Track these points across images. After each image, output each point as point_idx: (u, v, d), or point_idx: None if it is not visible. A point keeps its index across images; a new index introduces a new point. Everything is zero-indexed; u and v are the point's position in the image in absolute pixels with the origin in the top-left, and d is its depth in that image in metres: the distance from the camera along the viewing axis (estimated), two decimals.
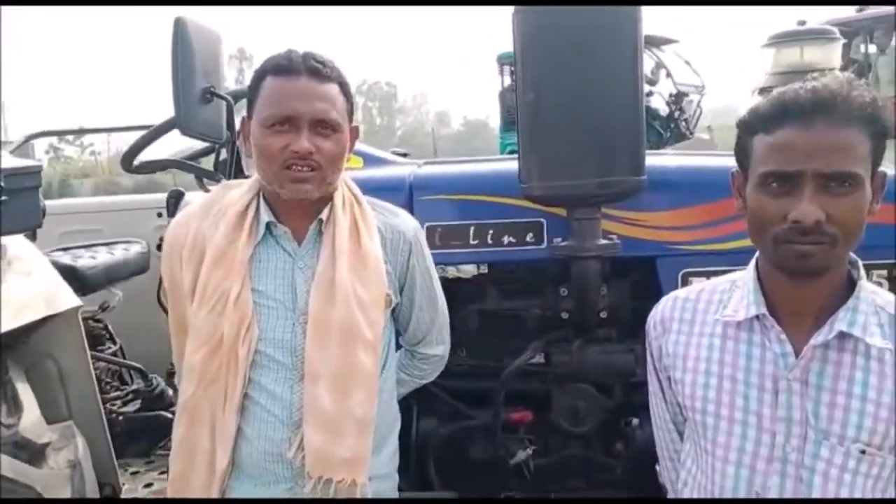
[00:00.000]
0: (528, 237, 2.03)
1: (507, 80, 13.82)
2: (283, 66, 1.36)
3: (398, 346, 1.63)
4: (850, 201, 1.06)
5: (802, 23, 7.90)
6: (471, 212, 2.05)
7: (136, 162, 2.35)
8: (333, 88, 1.38)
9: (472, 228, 2.04)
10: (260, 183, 1.43)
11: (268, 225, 1.41)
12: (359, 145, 2.32)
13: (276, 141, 1.33)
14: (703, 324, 1.27)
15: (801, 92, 1.10)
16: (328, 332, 1.36)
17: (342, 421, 1.36)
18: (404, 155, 2.61)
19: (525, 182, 1.92)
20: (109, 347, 2.72)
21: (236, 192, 1.45)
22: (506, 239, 2.04)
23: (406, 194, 2.06)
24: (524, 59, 1.88)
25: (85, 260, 2.48)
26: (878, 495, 1.12)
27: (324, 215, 1.41)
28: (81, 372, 1.95)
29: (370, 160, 2.25)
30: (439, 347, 1.66)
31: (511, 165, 2.07)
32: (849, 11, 11.63)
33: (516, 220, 2.04)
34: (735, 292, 1.25)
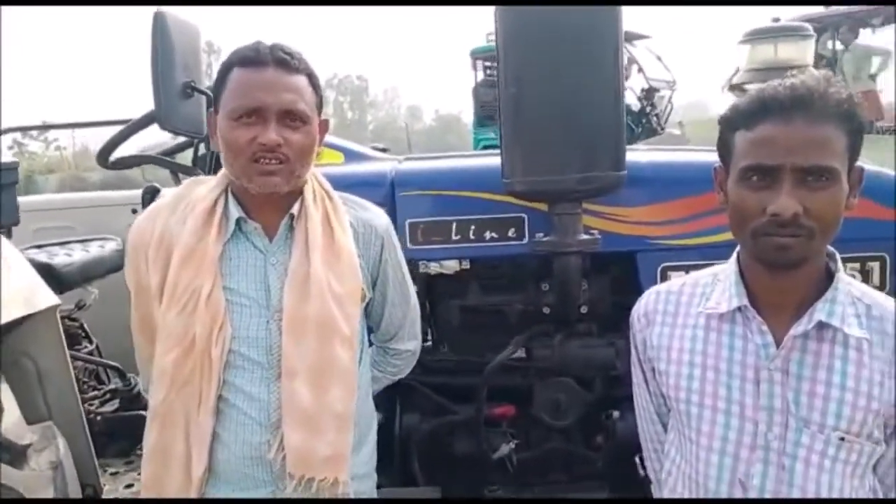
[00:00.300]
0: (510, 232, 2.05)
1: (481, 76, 13.84)
2: (250, 58, 1.33)
3: (370, 343, 1.62)
4: (827, 195, 1.09)
5: (777, 20, 8.02)
6: (453, 207, 2.06)
7: (112, 157, 2.32)
8: (302, 80, 1.35)
9: (454, 224, 2.05)
10: (228, 178, 1.39)
11: (238, 221, 1.37)
12: (338, 140, 2.33)
13: (242, 133, 1.30)
14: (687, 316, 1.29)
15: (781, 89, 1.12)
16: (304, 327, 1.34)
17: (321, 417, 1.33)
18: (384, 150, 2.61)
19: (507, 178, 1.93)
20: (86, 346, 2.68)
21: (204, 189, 1.41)
22: (487, 234, 2.05)
23: (388, 190, 2.06)
24: (506, 56, 1.89)
25: (61, 258, 2.44)
26: (856, 482, 1.16)
27: (295, 210, 1.39)
28: (60, 372, 1.92)
29: (351, 155, 2.25)
30: (411, 343, 1.66)
31: (492, 161, 2.08)
32: (818, 8, 11.85)
33: (498, 215, 2.05)
34: (717, 285, 1.27)
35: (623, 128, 1.94)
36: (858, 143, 1.13)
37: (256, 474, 1.35)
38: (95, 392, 2.59)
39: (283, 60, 1.33)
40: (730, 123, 1.18)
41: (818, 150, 1.08)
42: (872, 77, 10.98)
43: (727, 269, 1.27)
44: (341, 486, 1.36)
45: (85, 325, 2.75)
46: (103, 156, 2.28)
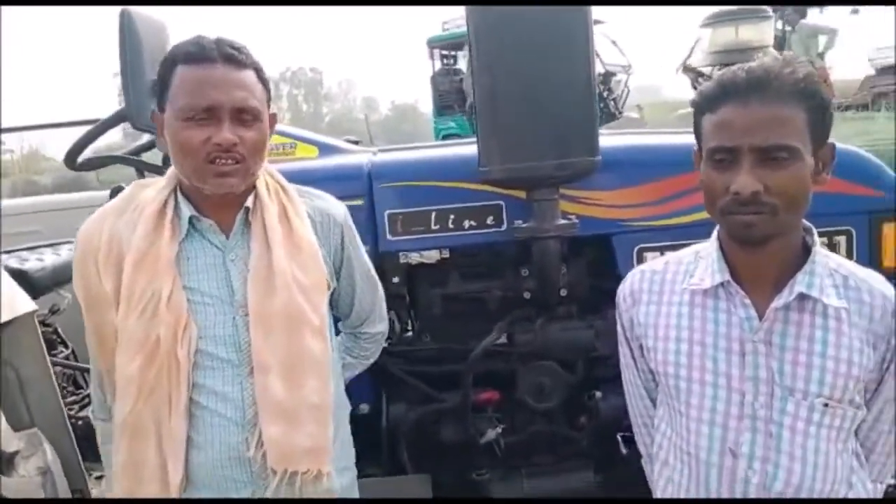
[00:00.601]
0: (489, 220, 2.07)
1: (438, 65, 13.85)
2: (196, 55, 1.29)
3: (337, 332, 1.63)
4: (787, 173, 1.13)
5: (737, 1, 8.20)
6: (431, 197, 2.07)
7: (80, 159, 2.29)
8: (251, 75, 1.32)
9: (433, 214, 2.06)
10: (177, 178, 1.36)
11: (190, 220, 1.34)
12: (312, 134, 2.33)
13: (196, 134, 1.27)
14: (672, 293, 1.33)
15: (739, 73, 1.17)
16: (271, 321, 1.32)
17: (298, 410, 1.32)
18: (356, 143, 2.61)
19: (485, 166, 1.95)
20: (62, 351, 2.64)
21: (151, 191, 1.37)
22: (466, 223, 2.07)
23: (365, 182, 2.07)
24: (479, 46, 1.91)
25: (32, 262, 2.40)
26: (840, 445, 1.21)
27: (249, 203, 1.36)
28: (41, 377, 1.90)
29: (325, 149, 2.25)
30: (381, 324, 1.68)
31: (468, 150, 2.10)
32: None
33: (476, 203, 2.07)
34: (700, 262, 1.32)
35: (596, 114, 1.98)
36: (823, 120, 1.16)
37: (235, 475, 1.32)
38: (74, 397, 2.56)
39: (231, 56, 1.30)
40: (698, 108, 1.23)
41: (775, 129, 1.12)
42: (821, 55, 11.27)
43: (709, 247, 1.31)
44: (325, 477, 1.35)
45: (59, 330, 2.70)
46: (71, 157, 2.25)
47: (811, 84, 1.14)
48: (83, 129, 2.28)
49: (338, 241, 1.49)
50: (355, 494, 1.55)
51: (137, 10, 1.92)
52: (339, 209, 1.51)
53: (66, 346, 2.70)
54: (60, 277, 2.54)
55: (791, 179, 1.13)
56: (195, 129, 1.27)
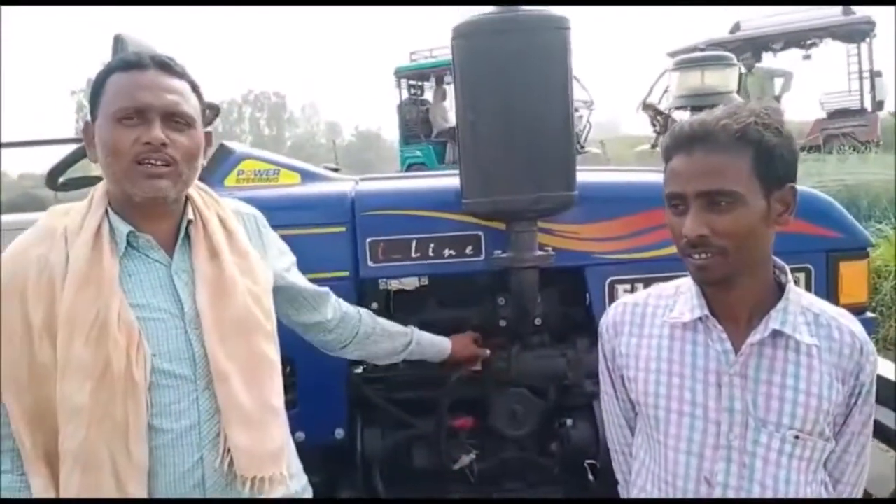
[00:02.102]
0: (468, 250, 2.12)
1: (405, 94, 14.01)
2: (131, 62, 1.31)
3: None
4: (732, 217, 1.20)
5: (702, 49, 8.52)
6: (412, 226, 2.11)
7: (61, 178, 2.28)
8: (185, 85, 1.34)
9: (413, 242, 2.10)
10: (107, 197, 1.34)
11: (128, 236, 1.31)
12: (294, 161, 2.36)
13: (125, 134, 1.26)
14: (652, 326, 1.39)
15: (686, 126, 1.27)
16: (225, 329, 1.32)
17: (261, 414, 1.33)
18: (336, 170, 2.65)
19: (467, 198, 2.01)
20: None
21: (77, 214, 1.32)
22: (446, 252, 2.11)
23: (348, 210, 2.10)
24: (463, 82, 1.97)
25: None
26: (810, 476, 1.28)
27: (190, 215, 1.37)
28: None
29: (307, 176, 2.28)
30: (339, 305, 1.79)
31: (449, 182, 2.15)
32: (723, 33, 12.56)
33: (456, 233, 2.11)
34: (679, 297, 1.38)
35: (574, 149, 2.06)
36: (771, 165, 1.21)
37: (192, 495, 1.31)
38: None
39: (165, 64, 1.33)
40: (663, 157, 1.31)
41: (716, 176, 1.20)
42: (777, 98, 11.69)
43: (688, 282, 1.38)
44: (285, 479, 1.37)
45: None
46: (54, 177, 2.24)
47: (752, 133, 1.21)
48: (57, 149, 2.28)
49: (267, 238, 1.54)
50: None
51: (130, 35, 1.94)
52: (250, 208, 1.55)
53: None
54: None
55: (735, 223, 1.20)
56: (124, 130, 1.27)
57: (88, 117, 1.35)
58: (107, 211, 1.33)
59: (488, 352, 2.13)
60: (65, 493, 1.24)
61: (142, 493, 1.25)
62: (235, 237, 1.42)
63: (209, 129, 1.43)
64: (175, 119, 1.30)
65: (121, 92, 1.29)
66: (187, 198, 1.39)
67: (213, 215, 1.40)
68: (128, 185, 1.28)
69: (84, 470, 1.23)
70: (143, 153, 1.26)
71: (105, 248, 1.28)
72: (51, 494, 1.26)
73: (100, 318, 1.23)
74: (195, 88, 1.38)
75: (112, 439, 1.23)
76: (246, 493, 1.31)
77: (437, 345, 2.01)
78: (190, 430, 1.30)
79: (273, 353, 1.40)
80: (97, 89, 1.32)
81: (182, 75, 1.35)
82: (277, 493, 1.35)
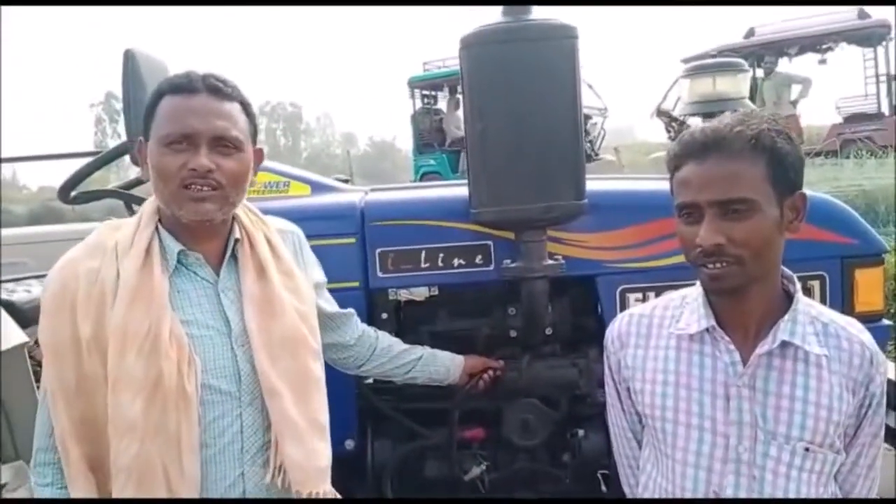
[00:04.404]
0: (478, 259, 2.12)
1: (419, 104, 14.05)
2: (182, 85, 1.33)
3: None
4: (748, 224, 1.19)
5: (714, 55, 8.48)
6: (422, 236, 2.11)
7: (73, 192, 2.31)
8: (235, 107, 1.35)
9: (423, 252, 2.10)
10: (157, 214, 1.37)
11: (178, 254, 1.35)
12: (304, 173, 2.37)
13: (173, 160, 1.29)
14: (659, 337, 1.38)
15: (697, 134, 1.25)
16: (275, 347, 1.34)
17: (312, 431, 1.36)
18: (346, 181, 2.66)
19: (476, 208, 2.01)
20: None
21: (128, 230, 1.35)
22: (456, 261, 2.11)
23: (358, 220, 2.11)
24: (472, 92, 1.97)
25: (20, 294, 2.39)
26: (821, 489, 1.26)
27: (237, 234, 1.40)
28: (29, 410, 1.89)
29: (317, 187, 2.29)
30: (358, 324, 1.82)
31: (458, 192, 2.16)
32: (737, 38, 12.50)
33: (465, 243, 2.11)
34: (686, 307, 1.37)
35: (583, 158, 2.05)
36: (784, 171, 1.21)
37: None
38: None
39: (216, 87, 1.34)
40: (669, 167, 1.30)
41: (730, 184, 1.19)
42: (793, 103, 11.60)
43: (694, 293, 1.37)
44: (335, 496, 1.41)
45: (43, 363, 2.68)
46: (66, 190, 2.27)
47: (765, 139, 1.20)
48: (74, 162, 2.31)
49: (308, 256, 1.58)
50: None
51: (140, 50, 1.97)
52: (292, 225, 1.58)
53: None
54: None
55: (752, 230, 1.19)
56: (173, 156, 1.29)
57: (142, 137, 1.38)
58: (157, 228, 1.36)
59: (502, 363, 2.12)
60: None
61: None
62: (281, 256, 1.44)
63: (259, 146, 1.44)
64: (223, 144, 1.32)
65: (170, 116, 1.31)
66: (234, 217, 1.41)
67: (259, 235, 1.43)
68: (175, 207, 1.31)
69: (138, 484, 1.24)
70: (190, 178, 1.29)
71: (156, 264, 1.31)
72: None
73: (151, 332, 1.25)
74: (245, 107, 1.39)
75: (165, 453, 1.25)
76: None
77: (448, 361, 1.99)
78: (232, 444, 1.33)
79: (319, 370, 1.43)
80: (150, 110, 1.35)
81: (232, 97, 1.36)
82: None
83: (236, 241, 1.39)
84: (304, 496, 1.33)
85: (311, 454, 1.35)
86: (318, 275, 1.64)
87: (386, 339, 1.88)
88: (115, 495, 1.26)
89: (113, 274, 1.29)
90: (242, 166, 1.36)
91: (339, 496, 1.51)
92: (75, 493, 1.29)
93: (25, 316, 2.32)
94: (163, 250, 1.34)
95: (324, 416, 1.42)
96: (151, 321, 1.26)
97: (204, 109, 1.31)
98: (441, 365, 1.96)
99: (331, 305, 1.71)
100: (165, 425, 1.25)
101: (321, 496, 1.35)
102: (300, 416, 1.35)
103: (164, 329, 1.26)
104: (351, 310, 1.79)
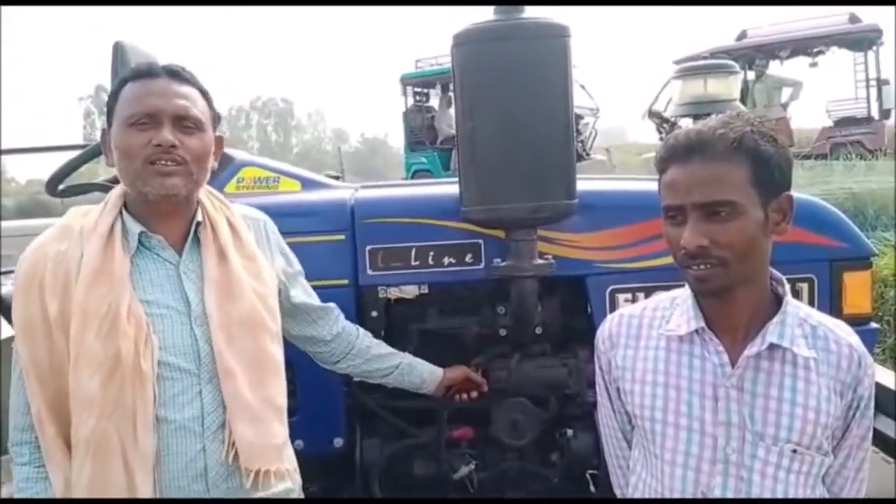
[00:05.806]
0: (468, 258, 2.11)
1: (411, 101, 14.02)
2: (143, 71, 1.40)
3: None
4: (732, 226, 1.19)
5: (705, 56, 8.51)
6: (412, 234, 2.11)
7: (61, 186, 2.28)
8: (194, 91, 1.41)
9: (413, 250, 2.10)
10: (122, 199, 1.41)
11: (140, 236, 1.38)
12: (294, 169, 2.36)
13: (137, 137, 1.34)
14: (648, 338, 1.38)
15: (682, 137, 1.25)
16: (233, 328, 1.37)
17: (265, 411, 1.38)
18: (337, 178, 2.65)
19: (466, 206, 2.00)
20: None
21: (94, 214, 1.40)
22: (446, 260, 2.11)
23: (348, 217, 2.10)
24: (463, 90, 1.97)
25: (8, 287, 2.37)
26: (808, 491, 1.26)
27: (199, 217, 1.43)
28: None
29: (307, 184, 2.28)
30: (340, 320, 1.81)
31: (448, 190, 2.15)
32: (729, 40, 12.55)
33: (455, 241, 2.11)
34: (675, 309, 1.37)
35: (574, 158, 2.05)
36: (770, 174, 1.21)
37: (192, 486, 1.35)
38: None
39: (175, 72, 1.40)
40: (657, 169, 1.30)
41: (713, 186, 1.19)
42: (784, 106, 11.65)
43: (683, 294, 1.37)
44: (288, 472, 1.43)
45: None
46: (53, 184, 2.24)
47: (748, 141, 1.20)
48: (62, 155, 2.28)
49: (275, 242, 1.60)
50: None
51: (130, 43, 1.95)
52: (260, 214, 1.60)
53: None
54: None
55: (735, 233, 1.19)
56: (137, 134, 1.34)
57: (105, 125, 1.42)
58: (121, 212, 1.40)
59: (485, 383, 2.09)
60: (77, 480, 1.30)
61: (148, 480, 1.30)
62: (243, 239, 1.47)
63: (220, 134, 1.49)
64: (184, 123, 1.37)
65: (133, 99, 1.36)
66: (198, 202, 1.45)
67: (222, 218, 1.46)
68: (141, 184, 1.35)
69: (95, 457, 1.29)
70: (155, 154, 1.33)
71: (117, 246, 1.35)
72: (69, 489, 1.32)
73: (111, 311, 1.29)
74: (205, 94, 1.44)
75: (122, 427, 1.29)
76: (248, 485, 1.36)
77: (426, 374, 1.95)
78: (193, 420, 1.35)
79: (278, 352, 1.46)
80: (113, 97, 1.39)
81: (191, 82, 1.42)
82: (280, 488, 1.41)
83: (198, 224, 1.43)
84: (253, 472, 1.35)
85: (262, 433, 1.37)
86: (289, 264, 1.65)
87: (366, 340, 1.85)
88: (75, 468, 1.30)
89: (77, 255, 1.34)
90: (205, 145, 1.40)
91: (294, 469, 1.51)
92: (53, 476, 1.34)
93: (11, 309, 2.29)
94: (125, 232, 1.38)
95: (281, 398, 1.44)
96: (111, 301, 1.30)
97: (166, 91, 1.37)
98: (417, 376, 1.93)
99: (309, 297, 1.72)
100: (122, 401, 1.29)
101: (272, 473, 1.37)
102: (254, 396, 1.37)
103: (122, 308, 1.30)
104: (332, 304, 1.78)
